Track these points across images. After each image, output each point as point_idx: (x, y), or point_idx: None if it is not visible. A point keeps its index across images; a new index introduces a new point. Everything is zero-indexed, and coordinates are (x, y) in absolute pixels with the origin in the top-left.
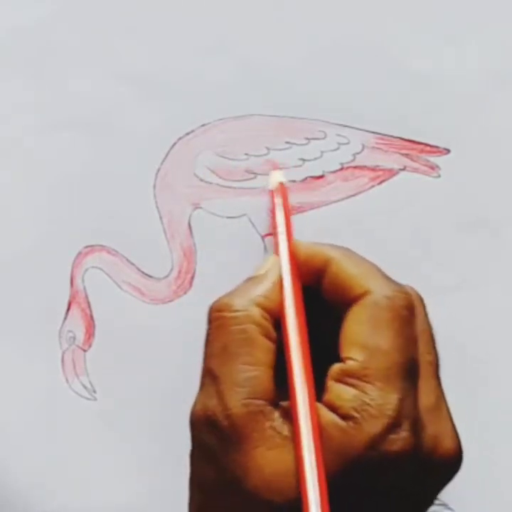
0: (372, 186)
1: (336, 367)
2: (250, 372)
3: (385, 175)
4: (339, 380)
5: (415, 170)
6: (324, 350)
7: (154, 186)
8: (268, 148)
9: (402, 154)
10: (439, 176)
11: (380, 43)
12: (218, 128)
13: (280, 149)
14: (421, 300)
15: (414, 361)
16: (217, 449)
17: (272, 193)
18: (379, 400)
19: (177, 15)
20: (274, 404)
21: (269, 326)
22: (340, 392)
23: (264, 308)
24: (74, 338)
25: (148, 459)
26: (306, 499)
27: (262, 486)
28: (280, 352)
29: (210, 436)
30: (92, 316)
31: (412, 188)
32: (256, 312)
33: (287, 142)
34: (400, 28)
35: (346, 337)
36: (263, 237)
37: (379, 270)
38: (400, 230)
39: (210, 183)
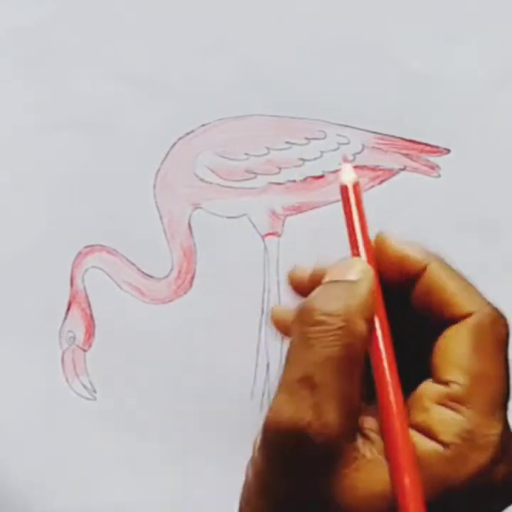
0: (373, 186)
1: (437, 388)
2: (350, 388)
3: (385, 175)
4: (441, 404)
5: (415, 170)
6: (403, 353)
7: (154, 186)
8: (268, 148)
9: (402, 154)
10: (439, 176)
11: (380, 43)
12: (218, 128)
13: (280, 149)
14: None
15: (509, 388)
16: (301, 465)
17: (344, 188)
18: (484, 429)
19: (177, 15)
20: (357, 424)
21: (368, 343)
22: (442, 416)
23: (367, 322)
24: (74, 338)
25: (147, 459)
26: None
27: (358, 506)
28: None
29: (296, 451)
30: (92, 316)
31: (412, 188)
32: (364, 328)
33: (287, 142)
34: (400, 28)
35: (446, 357)
36: (263, 237)
37: (476, 288)
38: (400, 230)
39: (210, 183)
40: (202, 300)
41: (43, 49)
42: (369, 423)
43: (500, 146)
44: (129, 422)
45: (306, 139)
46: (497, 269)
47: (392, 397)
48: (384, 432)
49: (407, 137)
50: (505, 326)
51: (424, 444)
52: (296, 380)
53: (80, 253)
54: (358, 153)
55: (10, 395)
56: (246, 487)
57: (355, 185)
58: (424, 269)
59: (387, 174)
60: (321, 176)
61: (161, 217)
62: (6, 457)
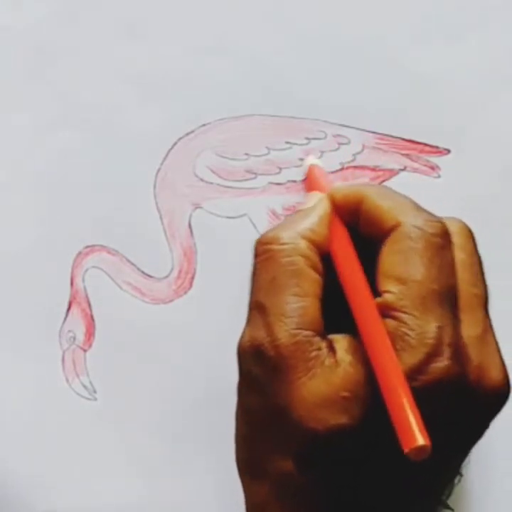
0: None
1: (375, 301)
2: (298, 303)
3: (385, 175)
4: (380, 314)
5: (415, 170)
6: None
7: (154, 186)
8: (268, 148)
9: (403, 154)
10: (439, 176)
11: (380, 43)
12: (218, 128)
13: (280, 149)
14: (469, 231)
15: (451, 289)
16: (263, 379)
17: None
18: (418, 329)
19: (177, 15)
20: (322, 335)
21: (316, 258)
22: None
23: (311, 241)
24: (74, 337)
25: (148, 459)
26: (402, 410)
27: (306, 416)
28: (326, 288)
29: (256, 367)
30: (92, 316)
31: (412, 188)
32: (303, 244)
33: (287, 142)
34: (400, 28)
35: (381, 271)
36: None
37: (412, 203)
38: None
39: (211, 183)
40: (202, 300)
41: (42, 49)
42: (340, 338)
43: (500, 146)
44: (129, 422)
45: (306, 139)
46: (497, 269)
47: (358, 285)
48: (360, 330)
49: (407, 137)
50: (440, 232)
51: None
52: (251, 307)
53: (80, 253)
54: (359, 153)
55: (9, 394)
56: (235, 423)
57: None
58: (362, 199)
59: (387, 174)
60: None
61: (161, 217)
62: (6, 457)
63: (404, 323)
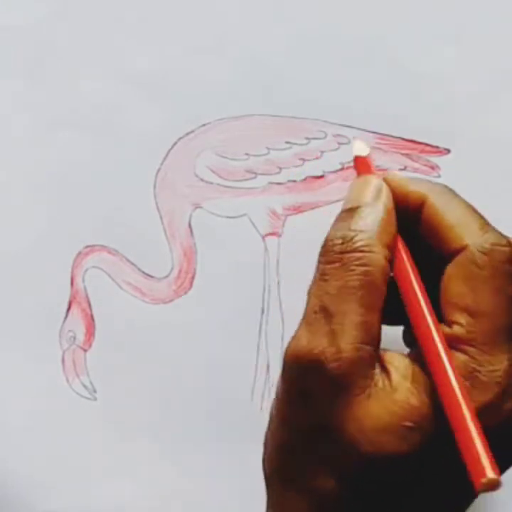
0: None
1: (443, 331)
2: (366, 316)
3: (385, 175)
4: (448, 346)
5: (415, 170)
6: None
7: (154, 186)
8: (268, 148)
9: (403, 154)
10: (439, 176)
11: (380, 43)
12: (218, 128)
13: (280, 149)
14: None
15: None
16: (315, 391)
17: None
18: (488, 366)
19: (177, 15)
20: (377, 352)
21: (388, 270)
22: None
23: (387, 247)
24: (74, 337)
25: (148, 458)
26: (470, 442)
27: (362, 438)
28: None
29: (310, 377)
30: (92, 316)
31: None
32: (381, 254)
33: (287, 142)
34: (400, 28)
35: (447, 299)
36: (263, 237)
37: (478, 217)
38: None
39: (211, 182)
40: (202, 300)
41: (42, 49)
42: (392, 357)
43: (500, 146)
44: (129, 421)
45: (306, 138)
46: None
47: (426, 314)
48: (426, 352)
49: (407, 137)
50: (509, 257)
51: None
52: (313, 311)
53: (80, 253)
54: None
55: (10, 394)
56: (269, 425)
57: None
58: (423, 203)
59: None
60: (321, 176)
61: (161, 217)
62: (6, 457)
63: (474, 358)
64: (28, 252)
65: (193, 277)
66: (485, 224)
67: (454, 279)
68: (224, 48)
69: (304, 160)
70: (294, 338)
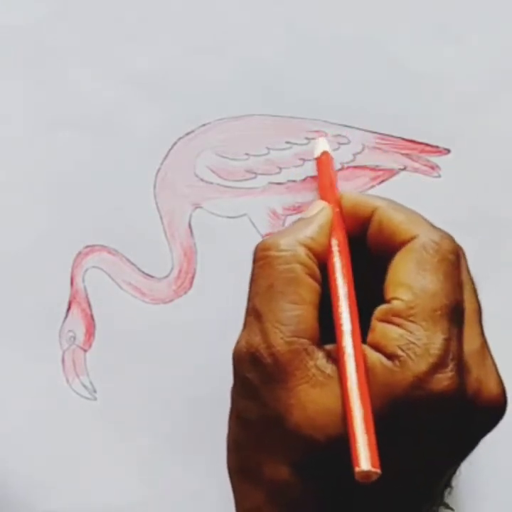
0: (373, 186)
1: (382, 307)
2: (295, 310)
3: (385, 175)
4: (384, 320)
5: (415, 170)
6: (369, 301)
7: (154, 186)
8: (268, 148)
9: (403, 154)
10: (440, 176)
11: (380, 43)
12: (218, 128)
13: (280, 149)
14: (461, 249)
15: (459, 305)
16: (259, 385)
17: (318, 160)
18: (425, 339)
19: (177, 15)
20: (318, 344)
21: (314, 266)
22: (385, 331)
23: (310, 249)
24: (74, 337)
25: (148, 458)
26: (354, 434)
27: (305, 423)
28: (325, 296)
29: (252, 373)
30: (92, 316)
31: (412, 188)
32: (302, 252)
33: (287, 142)
34: (400, 28)
35: (392, 278)
36: (263, 237)
37: (424, 218)
38: None
39: (211, 182)
40: (202, 300)
41: (42, 49)
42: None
43: (500, 146)
44: (129, 421)
45: (307, 139)
46: (497, 269)
47: (342, 312)
48: (337, 349)
49: (408, 137)
50: (454, 249)
51: (371, 356)
52: (248, 312)
53: (80, 253)
54: (358, 153)
55: (9, 394)
56: (228, 425)
57: (325, 154)
58: (375, 210)
59: (387, 174)
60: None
61: (161, 217)
62: (6, 456)
63: (410, 332)
64: (28, 251)
65: (193, 277)
66: (432, 224)
67: (402, 262)
68: (224, 48)
69: (304, 160)
70: (237, 340)
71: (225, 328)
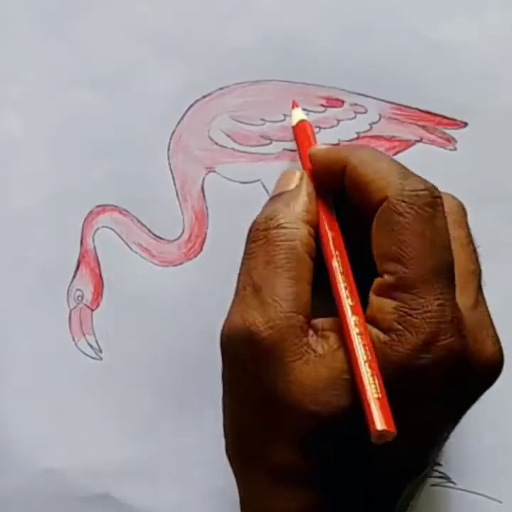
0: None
1: (377, 281)
2: (293, 286)
3: (400, 146)
4: (380, 294)
5: (432, 142)
6: (362, 256)
7: (168, 148)
8: (284, 115)
9: (419, 126)
10: (455, 149)
11: (400, 12)
12: (235, 92)
13: None
14: (464, 209)
15: (446, 260)
16: (254, 362)
17: (295, 128)
18: (419, 308)
19: None
20: (309, 320)
21: (313, 244)
22: (380, 305)
23: (308, 223)
24: (82, 296)
25: (152, 418)
26: (366, 397)
27: (307, 400)
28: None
29: (247, 350)
30: (100, 276)
31: (428, 159)
32: (304, 230)
33: (304, 109)
34: None
35: (376, 252)
36: None
37: (397, 167)
38: None
39: (225, 147)
40: (212, 264)
41: (60, 6)
42: (328, 323)
43: None
44: (134, 381)
45: (323, 106)
46: (508, 245)
47: (341, 287)
48: (341, 324)
49: (425, 109)
50: (429, 201)
51: (370, 332)
52: (243, 287)
53: (91, 212)
54: (375, 123)
55: (15, 350)
56: (223, 411)
57: (302, 122)
58: (344, 167)
59: (403, 145)
60: (336, 145)
61: (173, 180)
62: (9, 413)
63: (405, 303)
64: (39, 209)
65: (203, 241)
66: (405, 173)
67: (379, 231)
68: (244, 12)
69: (319, 127)
70: (227, 318)
71: (233, 292)
